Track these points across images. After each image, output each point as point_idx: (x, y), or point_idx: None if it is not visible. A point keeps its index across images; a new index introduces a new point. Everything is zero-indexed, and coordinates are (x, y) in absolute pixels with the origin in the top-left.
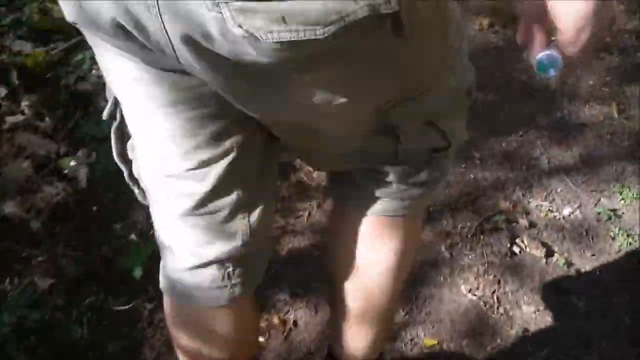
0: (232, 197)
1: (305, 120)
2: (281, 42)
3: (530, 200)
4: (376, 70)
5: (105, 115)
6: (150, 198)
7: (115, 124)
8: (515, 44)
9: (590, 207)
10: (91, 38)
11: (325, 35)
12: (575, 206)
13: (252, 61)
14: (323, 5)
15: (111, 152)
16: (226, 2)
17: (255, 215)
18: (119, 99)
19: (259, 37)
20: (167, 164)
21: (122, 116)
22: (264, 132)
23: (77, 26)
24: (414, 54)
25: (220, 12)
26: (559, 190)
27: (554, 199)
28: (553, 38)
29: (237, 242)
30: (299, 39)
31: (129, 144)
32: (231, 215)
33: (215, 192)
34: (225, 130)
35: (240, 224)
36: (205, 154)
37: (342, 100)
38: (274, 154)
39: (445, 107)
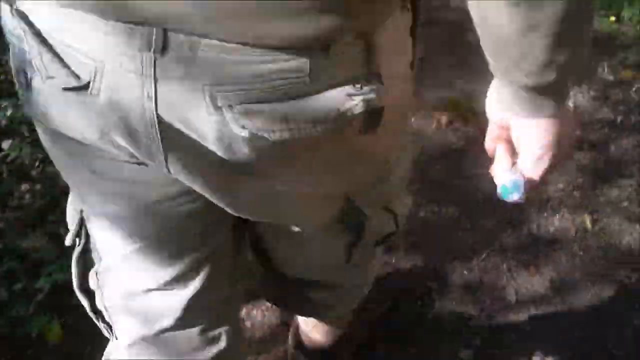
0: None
1: (282, 208)
2: (282, 141)
3: (499, 340)
4: (350, 162)
5: (68, 240)
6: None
7: (78, 249)
8: (476, 144)
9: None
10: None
11: (325, 132)
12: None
13: (240, 159)
14: (322, 103)
15: None
16: (230, 106)
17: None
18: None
19: (264, 136)
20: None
21: (87, 237)
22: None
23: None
24: (387, 142)
25: (222, 115)
26: (527, 329)
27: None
28: (514, 161)
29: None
30: (300, 137)
31: (91, 272)
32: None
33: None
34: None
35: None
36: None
37: (315, 188)
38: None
39: (398, 188)
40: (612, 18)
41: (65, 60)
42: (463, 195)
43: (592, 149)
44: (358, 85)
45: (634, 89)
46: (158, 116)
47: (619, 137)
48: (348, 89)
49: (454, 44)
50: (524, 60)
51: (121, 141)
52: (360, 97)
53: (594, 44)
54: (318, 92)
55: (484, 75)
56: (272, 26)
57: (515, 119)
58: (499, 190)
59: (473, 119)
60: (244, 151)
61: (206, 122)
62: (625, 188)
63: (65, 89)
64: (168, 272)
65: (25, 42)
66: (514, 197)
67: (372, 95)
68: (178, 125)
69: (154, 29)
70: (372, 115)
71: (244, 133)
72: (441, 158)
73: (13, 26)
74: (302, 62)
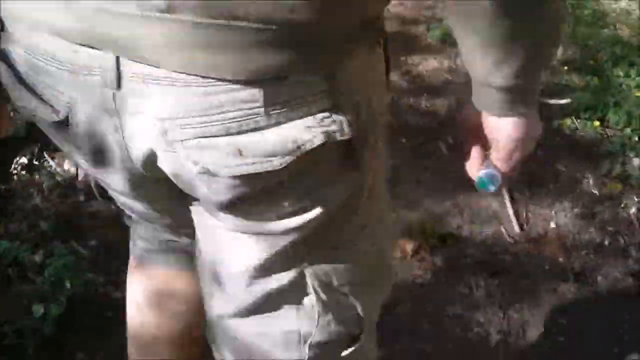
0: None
1: None
2: (237, 177)
3: None
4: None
5: None
6: None
7: None
8: (446, 276)
9: None
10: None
11: (282, 165)
12: None
13: (198, 196)
14: (279, 135)
15: None
16: (181, 141)
17: None
18: None
19: (215, 173)
20: None
21: None
22: None
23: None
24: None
25: (175, 151)
26: None
27: None
28: (487, 152)
29: None
30: (256, 172)
31: None
32: None
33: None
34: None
35: None
36: None
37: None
38: None
39: (365, 275)
40: (597, 122)
41: (44, 97)
42: (432, 337)
43: (577, 278)
44: (319, 117)
45: (622, 205)
46: (127, 146)
47: (607, 264)
48: (307, 120)
49: (423, 154)
50: (505, 64)
51: (106, 159)
52: (319, 130)
53: (576, 152)
54: (275, 124)
55: (455, 195)
56: (223, 58)
57: (491, 117)
58: (476, 183)
59: (441, 244)
60: (202, 189)
61: (162, 157)
62: (618, 325)
63: (50, 124)
64: None
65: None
66: (491, 188)
67: (333, 128)
68: (144, 157)
69: (111, 64)
70: (346, 147)
71: (196, 169)
72: (406, 295)
73: None
74: (256, 93)
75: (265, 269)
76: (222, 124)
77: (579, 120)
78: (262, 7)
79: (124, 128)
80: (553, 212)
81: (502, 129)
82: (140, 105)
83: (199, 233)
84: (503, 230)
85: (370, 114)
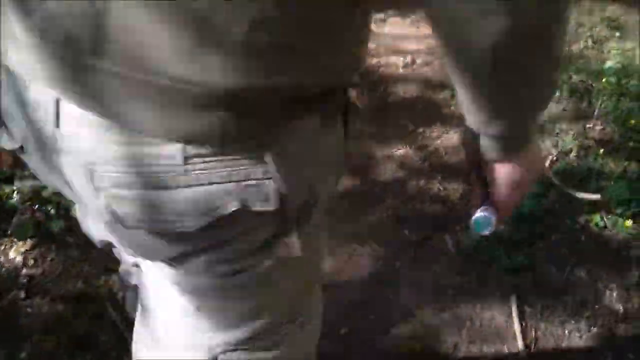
0: None
1: None
2: (152, 232)
3: None
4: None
5: None
6: None
7: None
8: None
9: None
10: None
11: (195, 228)
12: None
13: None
14: (193, 196)
15: None
16: (103, 188)
17: None
18: None
19: (128, 224)
20: None
21: None
22: None
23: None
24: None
25: (98, 198)
26: None
27: None
28: (489, 191)
29: None
30: (169, 231)
31: None
32: None
33: None
34: None
35: None
36: None
37: None
38: None
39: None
40: (628, 222)
41: (8, 124)
42: None
43: None
44: (243, 184)
45: None
46: (68, 182)
47: None
48: (228, 185)
49: (426, 250)
50: (498, 119)
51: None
52: (239, 196)
53: (602, 255)
54: (193, 184)
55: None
56: (142, 114)
57: (489, 163)
58: (471, 224)
59: None
60: (121, 236)
61: (90, 202)
62: None
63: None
64: None
65: None
66: (485, 231)
67: (255, 197)
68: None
69: (52, 103)
70: (280, 220)
71: (108, 217)
72: None
73: None
74: (176, 150)
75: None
76: (141, 176)
77: (609, 216)
78: (181, 68)
79: (62, 167)
80: (566, 331)
81: (499, 172)
82: (73, 146)
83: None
84: (505, 349)
85: (313, 192)
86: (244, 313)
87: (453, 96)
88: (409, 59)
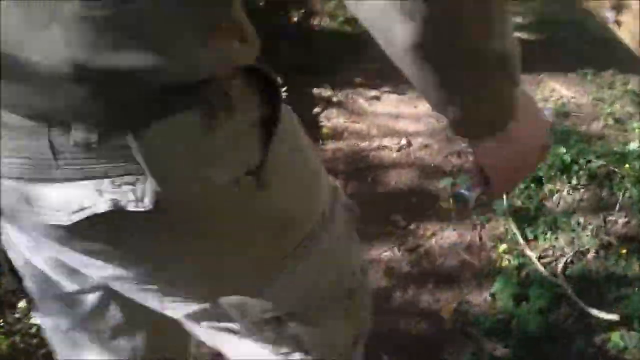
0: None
1: None
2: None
3: None
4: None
5: None
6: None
7: None
8: None
9: None
10: None
11: (69, 223)
12: None
13: None
14: (65, 193)
15: None
16: None
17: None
18: None
19: (13, 216)
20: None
21: None
22: None
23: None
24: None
25: None
26: None
27: None
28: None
29: None
30: (46, 223)
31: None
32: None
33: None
34: None
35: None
36: None
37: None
38: None
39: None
40: None
41: None
42: None
43: None
44: (117, 182)
45: None
46: None
47: None
48: (101, 183)
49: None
50: (450, 105)
51: None
52: (110, 196)
53: None
54: (66, 179)
55: None
56: (17, 90)
57: (467, 144)
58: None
59: None
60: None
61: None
62: None
63: None
64: None
65: None
66: (460, 206)
67: (128, 196)
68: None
69: None
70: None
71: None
72: None
73: None
74: (44, 144)
75: None
76: (18, 168)
77: (631, 332)
78: (35, 43)
79: None
80: None
81: (479, 154)
82: None
83: None
84: None
85: (205, 193)
86: None
87: (454, 184)
88: (404, 141)
